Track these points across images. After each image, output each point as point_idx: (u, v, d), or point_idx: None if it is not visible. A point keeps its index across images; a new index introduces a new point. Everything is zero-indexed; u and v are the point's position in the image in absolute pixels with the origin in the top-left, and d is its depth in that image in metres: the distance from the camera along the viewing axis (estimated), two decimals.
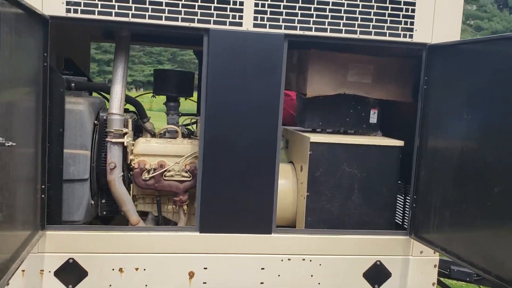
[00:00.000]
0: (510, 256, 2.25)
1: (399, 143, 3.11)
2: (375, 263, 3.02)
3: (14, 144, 2.07)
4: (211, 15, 2.69)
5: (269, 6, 2.72)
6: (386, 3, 2.83)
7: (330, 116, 3.30)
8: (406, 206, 3.54)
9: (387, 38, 2.86)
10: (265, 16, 2.73)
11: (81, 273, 2.81)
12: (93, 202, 3.08)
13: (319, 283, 2.97)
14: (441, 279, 4.46)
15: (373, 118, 3.34)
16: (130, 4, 2.62)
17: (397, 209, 3.45)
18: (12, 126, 2.21)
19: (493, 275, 2.33)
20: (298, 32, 2.77)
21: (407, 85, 3.22)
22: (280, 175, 3.21)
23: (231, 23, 2.72)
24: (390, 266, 3.04)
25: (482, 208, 2.45)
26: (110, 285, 2.82)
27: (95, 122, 3.03)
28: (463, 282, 4.70)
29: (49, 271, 2.78)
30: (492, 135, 2.42)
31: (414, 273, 3.07)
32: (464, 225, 2.61)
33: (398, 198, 3.47)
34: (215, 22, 2.70)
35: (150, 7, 2.63)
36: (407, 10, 2.85)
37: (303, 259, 2.95)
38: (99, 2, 2.59)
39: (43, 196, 2.71)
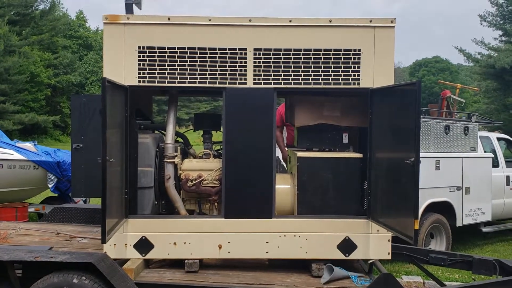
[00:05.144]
0: (407, 222, 3.57)
1: (358, 155, 4.45)
2: (345, 238, 4.29)
3: (113, 160, 3.68)
4: (227, 79, 4.21)
5: (263, 71, 4.20)
6: (340, 63, 4.26)
7: (314, 139, 4.68)
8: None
9: (342, 86, 4.23)
10: (261, 77, 4.19)
11: (150, 246, 4.24)
12: (156, 202, 4.60)
13: (306, 252, 4.29)
14: (422, 265, 5.60)
15: (345, 139, 4.66)
16: (176, 76, 4.19)
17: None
18: (112, 152, 3.81)
19: (403, 234, 3.64)
20: (282, 86, 4.20)
21: (365, 116, 4.57)
22: (283, 181, 4.65)
23: (239, 83, 4.21)
24: (356, 240, 4.29)
25: (396, 194, 3.80)
26: (168, 254, 4.25)
27: (157, 149, 4.58)
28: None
29: (130, 244, 4.23)
30: (396, 149, 3.80)
31: (373, 245, 4.29)
32: (390, 207, 3.95)
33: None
34: (230, 83, 4.20)
35: (188, 76, 4.19)
36: (355, 66, 4.23)
37: (294, 235, 4.27)
38: (157, 75, 4.18)
39: (126, 196, 4.23)
